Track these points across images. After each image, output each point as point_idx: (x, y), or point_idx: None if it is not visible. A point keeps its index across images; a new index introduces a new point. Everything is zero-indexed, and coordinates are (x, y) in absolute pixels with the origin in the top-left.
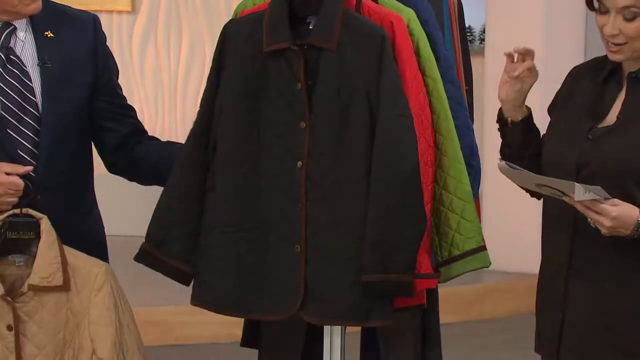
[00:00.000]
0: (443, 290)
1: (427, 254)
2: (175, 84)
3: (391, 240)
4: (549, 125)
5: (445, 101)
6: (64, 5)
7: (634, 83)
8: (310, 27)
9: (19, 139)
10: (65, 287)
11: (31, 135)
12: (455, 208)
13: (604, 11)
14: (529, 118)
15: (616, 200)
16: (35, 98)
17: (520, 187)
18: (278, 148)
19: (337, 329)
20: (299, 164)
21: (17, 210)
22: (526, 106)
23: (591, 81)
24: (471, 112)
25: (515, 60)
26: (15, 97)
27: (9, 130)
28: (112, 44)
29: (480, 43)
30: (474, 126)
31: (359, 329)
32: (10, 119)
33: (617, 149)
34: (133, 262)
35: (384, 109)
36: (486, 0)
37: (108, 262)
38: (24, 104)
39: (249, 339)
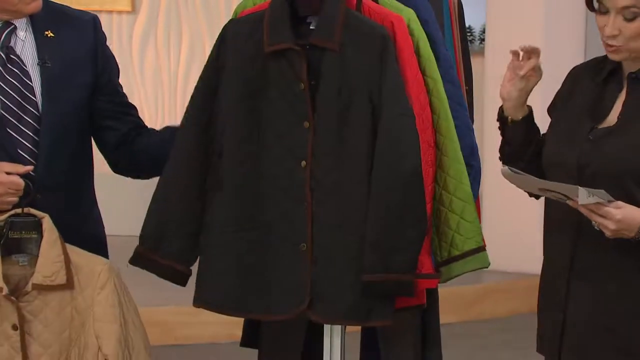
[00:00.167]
0: (443, 290)
1: (428, 254)
2: (175, 84)
3: (392, 240)
4: (549, 125)
5: (445, 101)
6: (63, 5)
7: (634, 83)
8: (311, 27)
9: (19, 138)
10: (68, 285)
11: (31, 134)
12: (455, 208)
13: (604, 11)
14: (529, 117)
15: (620, 203)
16: (35, 97)
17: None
18: (279, 148)
19: (337, 328)
20: (303, 163)
21: (19, 210)
22: (527, 105)
23: (591, 81)
24: (471, 112)
25: (521, 58)
26: (16, 96)
27: (9, 130)
28: (112, 44)
29: (480, 43)
30: (474, 126)
31: (359, 328)
32: (11, 119)
33: (617, 149)
34: None
35: (386, 109)
36: (486, 0)
37: None
38: (24, 103)
39: (249, 339)
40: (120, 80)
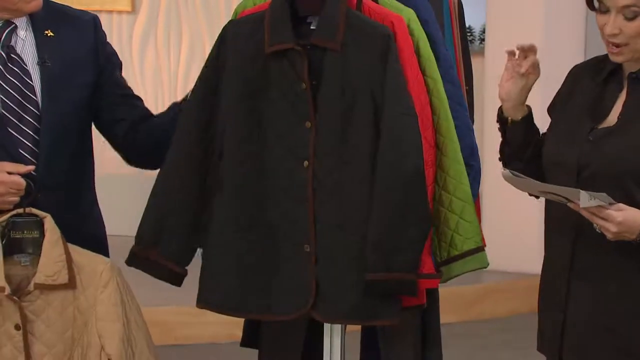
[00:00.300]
0: (443, 290)
1: (428, 254)
2: (175, 84)
3: (394, 239)
4: (549, 125)
5: (445, 101)
6: (64, 5)
7: (634, 84)
8: (312, 27)
9: (20, 137)
10: (71, 284)
11: (32, 134)
12: (454, 208)
13: (604, 10)
14: (529, 117)
15: (621, 205)
16: (35, 97)
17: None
18: (280, 148)
19: (337, 328)
20: (305, 163)
21: (21, 210)
22: (526, 105)
23: (591, 81)
24: (471, 112)
25: (517, 57)
26: (16, 95)
27: (9, 129)
28: (112, 44)
29: (480, 43)
30: (474, 126)
31: (359, 328)
32: (11, 118)
33: (617, 150)
34: None
35: (388, 108)
36: (486, 0)
37: None
38: (24, 102)
39: (249, 339)
40: None
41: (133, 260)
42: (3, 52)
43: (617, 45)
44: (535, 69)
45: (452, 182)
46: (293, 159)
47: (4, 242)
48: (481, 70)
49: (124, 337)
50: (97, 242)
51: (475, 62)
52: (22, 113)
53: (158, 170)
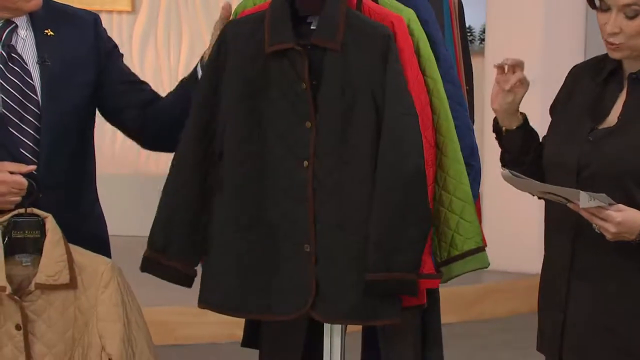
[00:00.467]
0: (443, 290)
1: (429, 254)
2: (175, 84)
3: (395, 239)
4: (549, 125)
5: (445, 101)
6: (64, 4)
7: (634, 84)
8: (312, 27)
9: (21, 137)
10: (72, 285)
11: (33, 133)
12: (454, 208)
13: (605, 9)
14: (524, 124)
15: (621, 206)
16: (36, 96)
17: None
18: (280, 148)
19: (337, 328)
20: (305, 163)
21: (22, 210)
22: (521, 113)
23: (591, 81)
24: (472, 112)
25: (506, 71)
26: (17, 94)
27: (10, 129)
28: None
29: (480, 43)
30: (474, 126)
31: (359, 328)
32: (12, 117)
33: (617, 150)
34: (133, 262)
35: (389, 108)
36: (486, 0)
37: None
38: (25, 101)
39: (250, 339)
40: None
41: (146, 265)
42: (4, 51)
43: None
44: (522, 84)
45: (452, 182)
46: (293, 159)
47: (5, 242)
48: (481, 70)
49: (124, 337)
50: (99, 242)
51: (475, 62)
52: (23, 112)
53: (158, 171)
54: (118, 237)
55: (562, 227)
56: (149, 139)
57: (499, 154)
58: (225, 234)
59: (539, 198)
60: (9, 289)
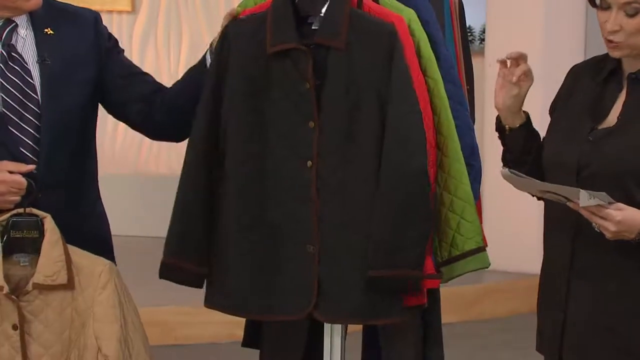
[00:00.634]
0: (443, 290)
1: (429, 254)
2: None
3: (397, 238)
4: (549, 125)
5: (446, 101)
6: (64, 3)
7: (634, 84)
8: (313, 27)
9: (21, 136)
10: (69, 285)
11: (33, 132)
12: (455, 208)
13: (605, 7)
14: (527, 123)
15: (621, 205)
16: (36, 95)
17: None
18: (283, 148)
19: (338, 328)
20: (309, 163)
21: (21, 210)
22: (524, 111)
23: (591, 80)
24: (472, 111)
25: (509, 65)
26: (17, 94)
27: (10, 128)
28: None
29: (480, 43)
30: (475, 126)
31: (359, 328)
32: (12, 116)
33: (617, 150)
34: (133, 262)
35: (394, 107)
36: (486, 0)
37: (114, 260)
38: (25, 101)
39: (251, 339)
40: None
41: (164, 271)
42: (4, 50)
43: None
44: (527, 76)
45: (453, 182)
46: (296, 159)
47: (3, 241)
48: (481, 70)
49: (121, 338)
50: (101, 241)
51: (475, 62)
52: (23, 111)
53: (158, 171)
54: (118, 237)
55: (562, 226)
56: (155, 129)
57: (500, 153)
58: (228, 233)
59: (538, 199)
60: (6, 289)
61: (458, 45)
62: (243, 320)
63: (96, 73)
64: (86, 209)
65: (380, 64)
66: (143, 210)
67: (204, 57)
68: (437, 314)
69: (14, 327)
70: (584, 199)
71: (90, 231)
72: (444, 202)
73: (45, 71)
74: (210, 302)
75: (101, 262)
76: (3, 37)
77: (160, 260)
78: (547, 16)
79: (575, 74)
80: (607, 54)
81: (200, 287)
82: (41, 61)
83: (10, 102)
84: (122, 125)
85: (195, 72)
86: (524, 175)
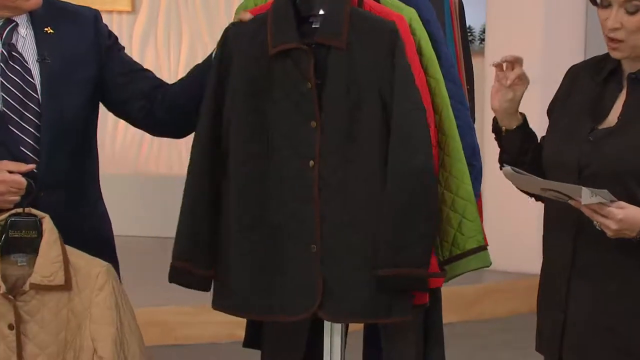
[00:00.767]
0: (443, 290)
1: (433, 253)
2: None
3: (403, 237)
4: (548, 125)
5: (447, 100)
6: (64, 2)
7: (634, 84)
8: (314, 27)
9: (22, 135)
10: (66, 286)
11: (33, 131)
12: (457, 207)
13: (606, 5)
14: (524, 125)
15: (622, 203)
16: (37, 94)
17: (523, 191)
18: (284, 148)
19: (338, 327)
20: (311, 163)
21: (20, 210)
22: (520, 113)
23: (591, 80)
24: (472, 111)
25: (505, 68)
26: (17, 93)
27: (10, 127)
28: None
29: (480, 43)
30: (475, 126)
31: (360, 327)
32: (13, 116)
33: (617, 150)
34: (133, 262)
35: (397, 105)
36: (486, 0)
37: (116, 260)
38: (25, 100)
39: (252, 340)
40: None
41: (174, 275)
42: (4, 50)
43: (617, 41)
44: (521, 80)
45: (454, 182)
46: (298, 159)
47: (1, 241)
48: (481, 70)
49: (117, 340)
50: (102, 240)
51: (475, 62)
52: (23, 111)
53: (158, 171)
54: (117, 237)
55: (563, 225)
56: (156, 126)
57: (498, 157)
58: (229, 234)
59: (537, 199)
60: (3, 288)
61: (458, 45)
62: (243, 320)
63: (96, 72)
64: (87, 209)
65: (381, 62)
66: (143, 210)
67: (211, 56)
68: (439, 314)
69: (10, 327)
70: (586, 197)
71: (91, 231)
72: (446, 201)
73: (46, 70)
74: (218, 305)
75: (99, 263)
76: (3, 37)
77: (160, 260)
78: (547, 16)
79: (574, 74)
80: (607, 54)
81: (208, 290)
82: (41, 60)
83: (11, 101)
84: (122, 124)
85: (200, 71)
86: (526, 173)
